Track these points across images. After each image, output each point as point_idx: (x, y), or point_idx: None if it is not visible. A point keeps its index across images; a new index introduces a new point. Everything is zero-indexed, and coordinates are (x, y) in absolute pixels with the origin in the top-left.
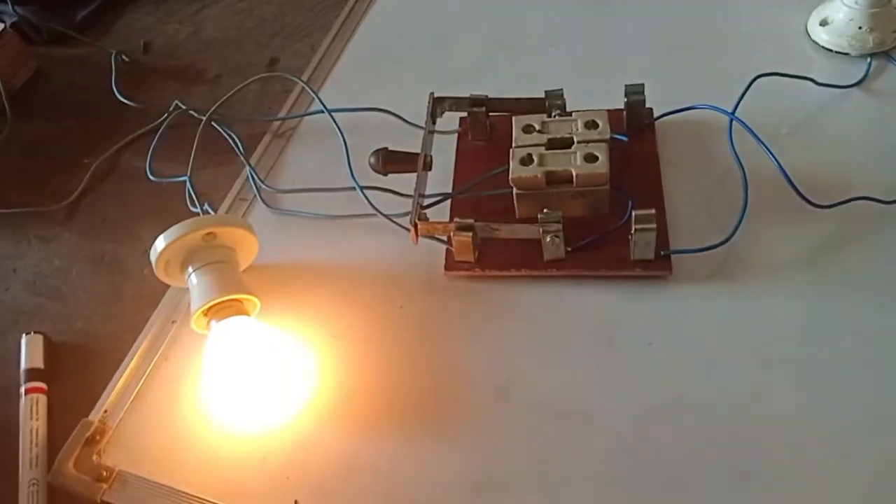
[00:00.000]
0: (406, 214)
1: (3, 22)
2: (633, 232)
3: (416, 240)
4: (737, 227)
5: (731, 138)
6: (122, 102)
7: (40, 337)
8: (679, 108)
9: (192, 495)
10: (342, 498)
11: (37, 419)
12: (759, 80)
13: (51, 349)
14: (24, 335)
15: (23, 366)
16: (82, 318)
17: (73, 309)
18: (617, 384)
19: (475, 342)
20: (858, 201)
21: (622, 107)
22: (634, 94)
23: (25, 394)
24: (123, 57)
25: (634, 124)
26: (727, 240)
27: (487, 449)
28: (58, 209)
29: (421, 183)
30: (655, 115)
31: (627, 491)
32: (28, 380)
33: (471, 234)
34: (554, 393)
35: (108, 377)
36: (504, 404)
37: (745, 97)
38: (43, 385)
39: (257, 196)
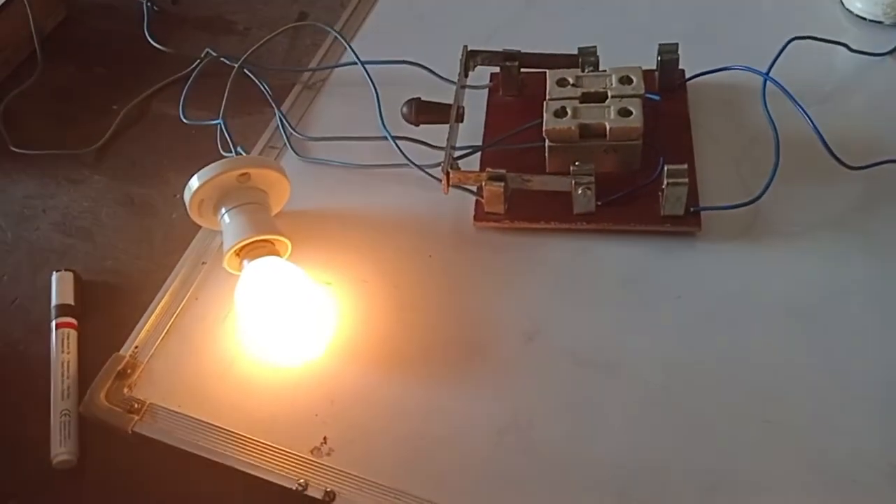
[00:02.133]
0: (436, 166)
1: None
2: (664, 186)
3: (447, 189)
4: (768, 185)
5: (764, 98)
6: (151, 49)
7: (70, 274)
8: (711, 69)
9: (222, 428)
10: (369, 436)
11: (68, 353)
12: (792, 43)
13: (81, 287)
14: (54, 272)
15: (53, 301)
16: (112, 258)
17: (103, 249)
18: (644, 335)
19: (503, 292)
20: (889, 164)
21: (654, 67)
22: (668, 52)
23: (56, 328)
24: (153, 6)
25: (666, 84)
26: (758, 198)
27: (513, 392)
28: (87, 152)
29: (453, 134)
30: (687, 75)
31: (652, 438)
32: (59, 315)
33: (502, 184)
34: (581, 342)
35: (138, 316)
36: (531, 350)
37: (777, 60)
38: (73, 321)
39: (287, 144)
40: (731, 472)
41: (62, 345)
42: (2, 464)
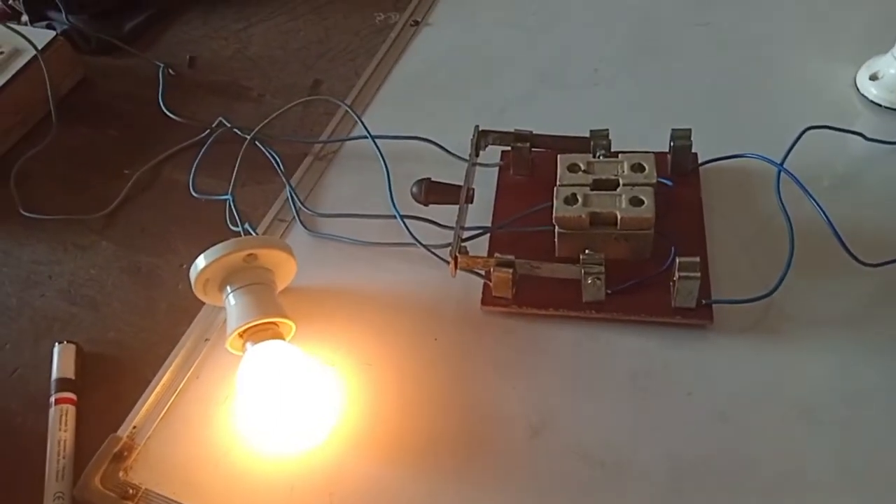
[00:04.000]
0: (444, 246)
1: (55, 29)
2: (675, 279)
3: (455, 272)
4: (781, 280)
5: (778, 189)
6: (165, 115)
7: (73, 346)
8: (725, 155)
9: None
10: None
11: (65, 430)
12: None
13: (83, 360)
14: (56, 344)
15: (54, 375)
16: (115, 329)
17: (107, 319)
18: (653, 432)
19: (509, 379)
20: None
21: (667, 150)
22: (681, 138)
23: (55, 404)
24: (169, 70)
25: (679, 169)
26: (771, 292)
27: (518, 490)
28: (96, 218)
29: (462, 215)
30: (700, 160)
31: None
32: (58, 390)
33: (511, 270)
34: (588, 437)
35: (139, 390)
36: (536, 445)
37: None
38: (73, 396)
39: (296, 218)
40: None
41: (60, 422)
42: None
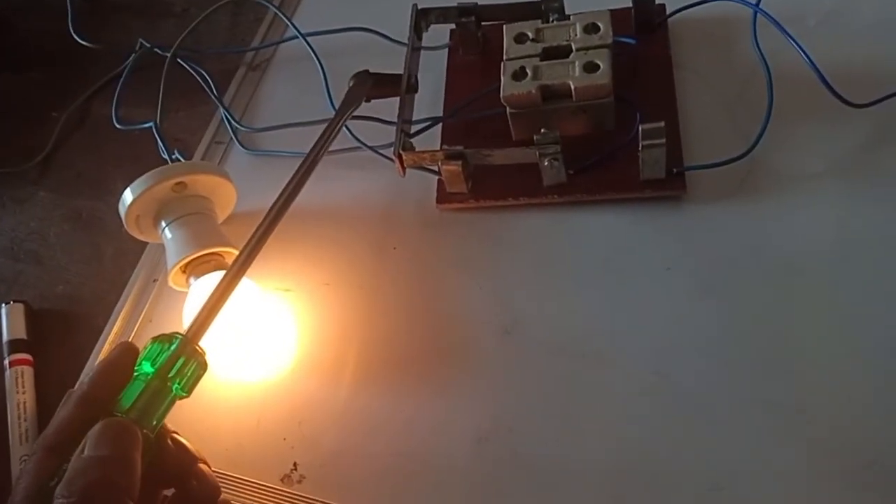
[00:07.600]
0: (391, 146)
1: None
2: (640, 149)
3: (403, 172)
4: (760, 135)
5: (754, 33)
6: (87, 47)
7: (21, 305)
8: (694, 2)
9: None
10: (342, 458)
11: (23, 392)
12: None
13: (33, 317)
14: (3, 305)
15: (4, 337)
16: (63, 282)
17: (54, 273)
18: (632, 316)
19: (475, 280)
20: None
21: (629, 4)
22: None
23: (10, 366)
24: None
25: (643, 24)
26: (749, 151)
27: (492, 394)
28: (30, 167)
29: (405, 108)
30: (668, 11)
31: (649, 430)
32: (11, 352)
33: (461, 162)
34: (564, 330)
35: (94, 341)
36: (510, 345)
37: None
38: (27, 356)
39: (233, 138)
40: (738, 463)
41: (17, 384)
42: None
